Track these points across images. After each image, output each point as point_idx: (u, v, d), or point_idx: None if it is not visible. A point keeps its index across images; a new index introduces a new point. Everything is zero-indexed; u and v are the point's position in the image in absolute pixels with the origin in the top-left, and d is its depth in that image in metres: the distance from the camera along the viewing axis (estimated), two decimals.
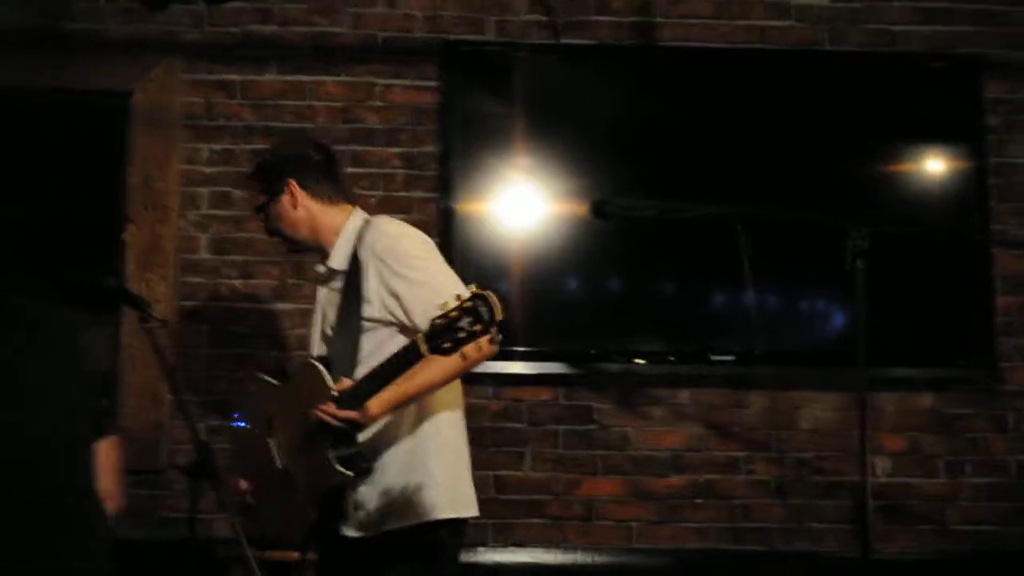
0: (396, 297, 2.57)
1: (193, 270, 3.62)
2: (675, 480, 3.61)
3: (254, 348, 3.60)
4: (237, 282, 3.62)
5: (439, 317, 2.26)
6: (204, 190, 3.60)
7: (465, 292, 2.29)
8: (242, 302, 3.61)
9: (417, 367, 2.45)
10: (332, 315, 2.72)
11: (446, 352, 2.28)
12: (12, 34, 3.61)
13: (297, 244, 2.81)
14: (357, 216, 2.75)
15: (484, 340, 2.28)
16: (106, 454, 2.13)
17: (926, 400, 3.68)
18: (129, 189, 3.58)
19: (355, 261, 2.67)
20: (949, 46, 3.74)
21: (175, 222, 3.58)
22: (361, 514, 2.61)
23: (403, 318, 2.55)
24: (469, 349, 2.28)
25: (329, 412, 2.45)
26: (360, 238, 2.68)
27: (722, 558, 3.56)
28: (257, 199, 2.78)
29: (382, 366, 2.45)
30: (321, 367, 2.57)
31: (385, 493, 2.59)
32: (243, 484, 2.72)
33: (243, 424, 2.85)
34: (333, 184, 2.75)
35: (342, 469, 2.49)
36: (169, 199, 3.57)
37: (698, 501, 3.61)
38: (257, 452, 2.76)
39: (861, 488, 2.82)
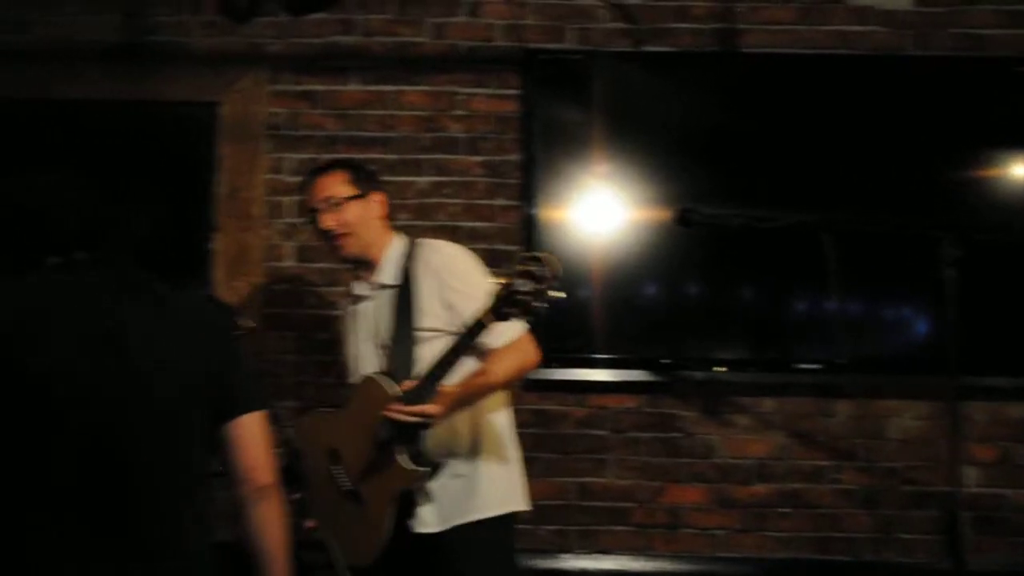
0: (451, 308, 2.71)
1: (279, 277, 3.64)
2: (760, 489, 3.57)
3: (338, 355, 3.53)
4: (322, 289, 3.63)
5: (502, 287, 2.42)
6: (289, 199, 3.61)
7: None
8: (327, 309, 3.61)
9: (478, 370, 2.60)
10: (384, 327, 2.81)
11: (509, 317, 2.45)
12: (100, 47, 3.68)
13: (350, 246, 2.86)
14: (399, 239, 2.88)
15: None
16: (248, 429, 2.15)
17: (1018, 410, 3.60)
18: (216, 199, 3.61)
19: (405, 276, 2.81)
20: None
21: (261, 231, 3.62)
22: (434, 509, 2.69)
23: (458, 324, 2.65)
24: (524, 342, 2.60)
25: (399, 410, 2.54)
26: (411, 256, 2.82)
27: (808, 568, 3.52)
28: (337, 189, 2.83)
29: (447, 351, 2.56)
30: (381, 376, 2.68)
31: (458, 487, 2.71)
32: (309, 523, 2.77)
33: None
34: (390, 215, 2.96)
35: (415, 467, 2.58)
36: (255, 208, 3.61)
37: (783, 510, 3.56)
38: (321, 486, 2.84)
39: (952, 499, 2.81)
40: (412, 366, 2.69)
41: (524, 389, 3.39)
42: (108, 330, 1.96)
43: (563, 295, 2.47)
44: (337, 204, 2.80)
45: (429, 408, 2.53)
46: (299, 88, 3.69)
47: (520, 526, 2.83)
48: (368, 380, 2.74)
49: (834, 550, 3.55)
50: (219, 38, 3.71)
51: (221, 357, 2.13)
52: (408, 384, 2.59)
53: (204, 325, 2.14)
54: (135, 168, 3.60)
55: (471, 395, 2.63)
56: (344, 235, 2.81)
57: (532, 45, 3.65)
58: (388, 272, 2.81)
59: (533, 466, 3.04)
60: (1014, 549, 3.52)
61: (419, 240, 2.87)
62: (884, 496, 3.54)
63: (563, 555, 3.54)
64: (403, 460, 2.58)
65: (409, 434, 2.59)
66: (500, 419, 2.79)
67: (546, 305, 2.45)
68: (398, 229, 2.90)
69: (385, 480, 2.66)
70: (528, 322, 2.62)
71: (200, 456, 2.09)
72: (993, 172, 3.63)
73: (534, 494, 2.87)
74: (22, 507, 1.88)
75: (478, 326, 2.52)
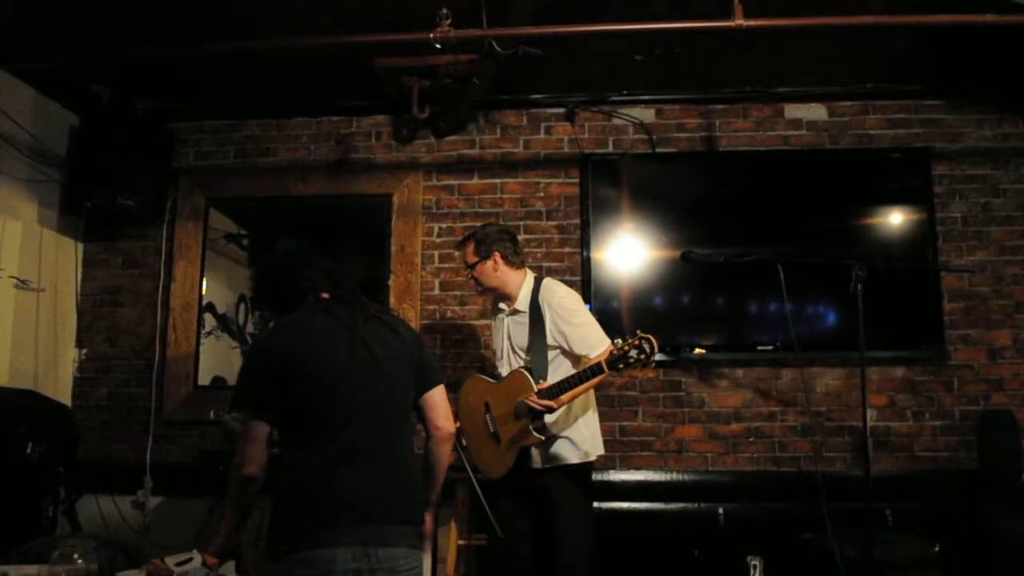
0: (563, 334, 3.44)
1: (430, 301, 4.84)
2: (735, 427, 4.52)
3: (466, 349, 4.78)
4: (457, 308, 4.81)
5: (618, 350, 3.10)
6: (436, 252, 4.87)
7: (617, 340, 3.12)
8: (459, 320, 4.79)
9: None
10: (520, 338, 3.46)
11: (619, 371, 3.13)
12: (322, 162, 5.07)
13: (488, 291, 3.59)
14: (530, 275, 3.57)
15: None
16: (436, 396, 2.66)
17: (900, 371, 4.51)
18: (391, 253, 4.91)
19: (535, 306, 3.45)
20: (908, 142, 4.73)
21: (419, 272, 4.90)
22: (543, 455, 3.44)
23: (566, 346, 3.42)
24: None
25: (535, 400, 3.28)
26: (537, 291, 3.46)
27: (767, 477, 4.45)
28: (469, 258, 3.57)
29: (574, 376, 3.21)
30: (527, 372, 3.40)
31: (559, 443, 3.43)
32: (464, 441, 3.49)
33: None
34: (517, 256, 3.61)
35: (538, 435, 3.36)
36: (415, 258, 4.90)
37: (751, 440, 4.49)
38: (477, 422, 3.51)
39: (860, 429, 3.66)
40: (540, 366, 3.37)
41: None
42: (360, 339, 2.45)
43: (653, 365, 3.15)
44: (471, 267, 3.56)
45: (552, 403, 3.25)
46: (442, 183, 4.94)
47: None
48: (519, 371, 3.42)
49: (783, 465, 4.45)
50: (393, 153, 4.99)
51: (418, 352, 2.61)
52: (544, 385, 3.26)
53: (405, 331, 2.62)
54: (345, 236, 4.94)
55: (574, 397, 3.32)
56: (480, 286, 3.58)
57: (586, 150, 4.87)
58: (522, 302, 3.50)
59: None
60: (898, 460, 4.45)
61: (540, 279, 3.54)
62: (815, 429, 4.42)
63: (610, 471, 4.47)
64: (532, 428, 3.32)
65: (537, 413, 3.30)
66: (589, 403, 3.51)
67: (645, 368, 3.16)
68: (522, 266, 3.58)
69: (517, 434, 3.36)
70: (618, 368, 3.17)
71: (410, 411, 2.58)
72: (883, 223, 4.68)
73: None
74: (324, 449, 2.34)
75: (598, 367, 3.16)
